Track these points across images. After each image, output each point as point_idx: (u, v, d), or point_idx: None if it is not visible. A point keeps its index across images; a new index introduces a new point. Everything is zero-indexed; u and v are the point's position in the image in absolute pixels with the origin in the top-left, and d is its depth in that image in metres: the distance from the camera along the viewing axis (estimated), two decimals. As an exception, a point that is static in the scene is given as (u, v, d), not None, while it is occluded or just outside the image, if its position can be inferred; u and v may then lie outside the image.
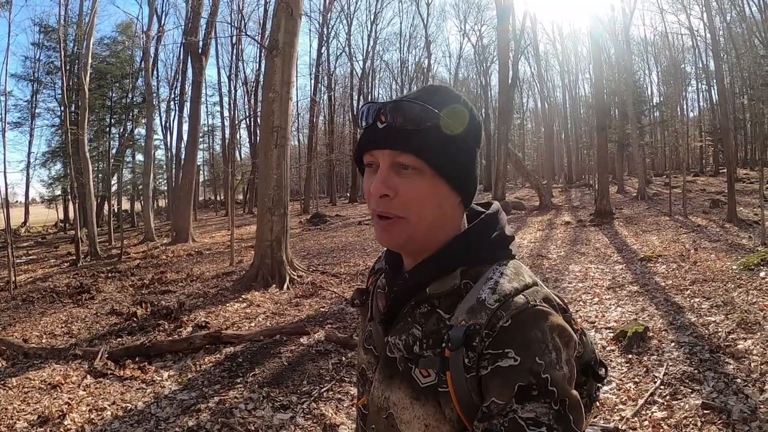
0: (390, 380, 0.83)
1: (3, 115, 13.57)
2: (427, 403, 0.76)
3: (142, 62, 22.50)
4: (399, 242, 0.83)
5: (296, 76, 9.58)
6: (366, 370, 0.93)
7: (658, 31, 36.59)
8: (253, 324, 6.20)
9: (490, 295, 0.75)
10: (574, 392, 0.70)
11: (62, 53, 16.66)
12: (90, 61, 15.67)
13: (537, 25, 34.52)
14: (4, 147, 11.79)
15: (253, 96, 33.04)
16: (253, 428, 3.38)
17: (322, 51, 34.36)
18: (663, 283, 6.46)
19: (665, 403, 3.34)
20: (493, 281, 0.77)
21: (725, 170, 14.83)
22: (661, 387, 3.56)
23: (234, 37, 27.40)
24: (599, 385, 0.89)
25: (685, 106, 40.22)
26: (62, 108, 21.21)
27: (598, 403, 3.44)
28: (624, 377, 3.82)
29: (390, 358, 0.84)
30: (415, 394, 0.77)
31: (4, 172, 11.52)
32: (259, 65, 31.17)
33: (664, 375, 3.72)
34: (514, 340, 0.70)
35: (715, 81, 23.06)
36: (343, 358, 4.75)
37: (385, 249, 0.95)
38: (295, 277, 8.35)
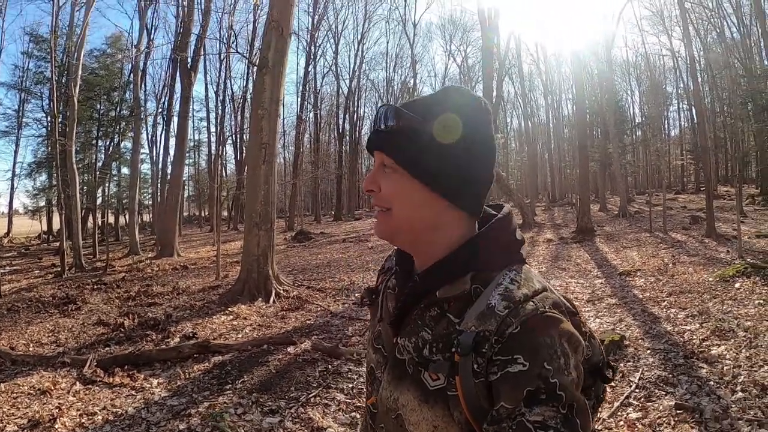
0: (399, 381, 0.84)
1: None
2: (435, 405, 0.77)
3: (131, 75, 22.54)
4: (387, 233, 0.87)
5: (284, 94, 9.74)
6: (375, 370, 0.94)
7: (639, 53, 37.54)
8: (240, 335, 6.25)
9: (499, 301, 0.76)
10: (582, 397, 0.71)
11: (52, 63, 16.64)
12: (80, 72, 15.69)
13: (521, 46, 35.21)
14: (-10, 156, 11.63)
15: (240, 112, 33.18)
16: (243, 431, 3.45)
17: (309, 69, 34.56)
18: (641, 296, 6.65)
19: (640, 405, 3.48)
20: (503, 287, 0.78)
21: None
22: (637, 390, 3.71)
23: (223, 54, 27.53)
24: (605, 386, 0.91)
25: (666, 126, 41.20)
26: (50, 118, 21.18)
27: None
28: (601, 382, 3.95)
29: (399, 360, 0.85)
30: (424, 396, 0.79)
31: (-10, 182, 11.39)
32: (247, 82, 31.37)
33: (639, 379, 3.88)
34: (523, 346, 0.71)
35: (693, 101, 23.68)
36: (330, 366, 4.83)
37: (395, 248, 0.98)
38: (281, 292, 8.39)
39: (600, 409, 0.99)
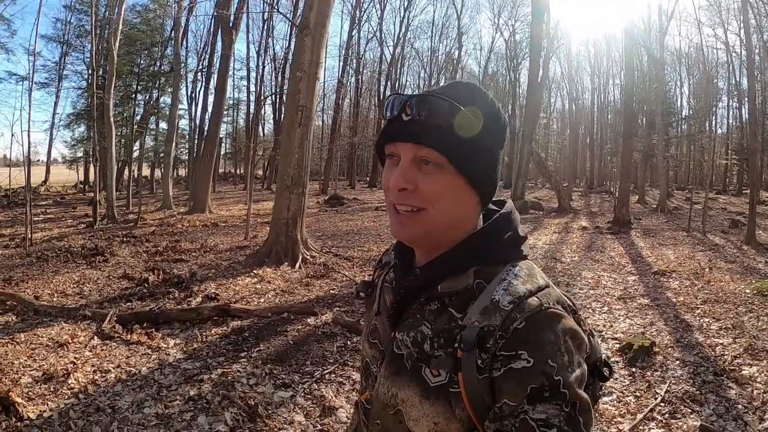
0: (396, 377, 0.82)
1: (30, 75, 13.60)
2: (437, 402, 0.76)
3: (172, 32, 22.58)
4: (415, 236, 0.82)
5: (325, 57, 9.56)
6: (370, 365, 0.92)
7: (693, 44, 35.91)
8: (262, 300, 6.26)
9: (504, 296, 0.75)
10: (585, 395, 0.70)
11: (93, 17, 16.76)
12: (120, 26, 15.76)
13: (571, 26, 33.99)
14: (30, 106, 11.78)
15: (280, 73, 33.13)
16: (252, 403, 3.43)
17: (353, 33, 34.24)
18: (674, 299, 6.39)
19: (664, 421, 3.32)
20: (507, 282, 0.77)
21: (748, 191, 14.56)
22: (662, 404, 3.54)
23: (265, 13, 27.30)
24: (602, 384, 0.90)
25: (714, 122, 39.51)
26: (90, 71, 21.48)
27: (599, 404, 3.45)
28: (625, 390, 3.80)
29: (396, 355, 0.84)
30: (425, 392, 0.77)
31: (28, 131, 11.56)
32: (289, 43, 31.12)
33: (665, 392, 3.70)
34: (527, 341, 0.70)
35: (747, 99, 22.55)
36: (349, 342, 4.77)
37: (395, 242, 0.94)
38: (308, 257, 8.39)
39: (596, 407, 0.96)
